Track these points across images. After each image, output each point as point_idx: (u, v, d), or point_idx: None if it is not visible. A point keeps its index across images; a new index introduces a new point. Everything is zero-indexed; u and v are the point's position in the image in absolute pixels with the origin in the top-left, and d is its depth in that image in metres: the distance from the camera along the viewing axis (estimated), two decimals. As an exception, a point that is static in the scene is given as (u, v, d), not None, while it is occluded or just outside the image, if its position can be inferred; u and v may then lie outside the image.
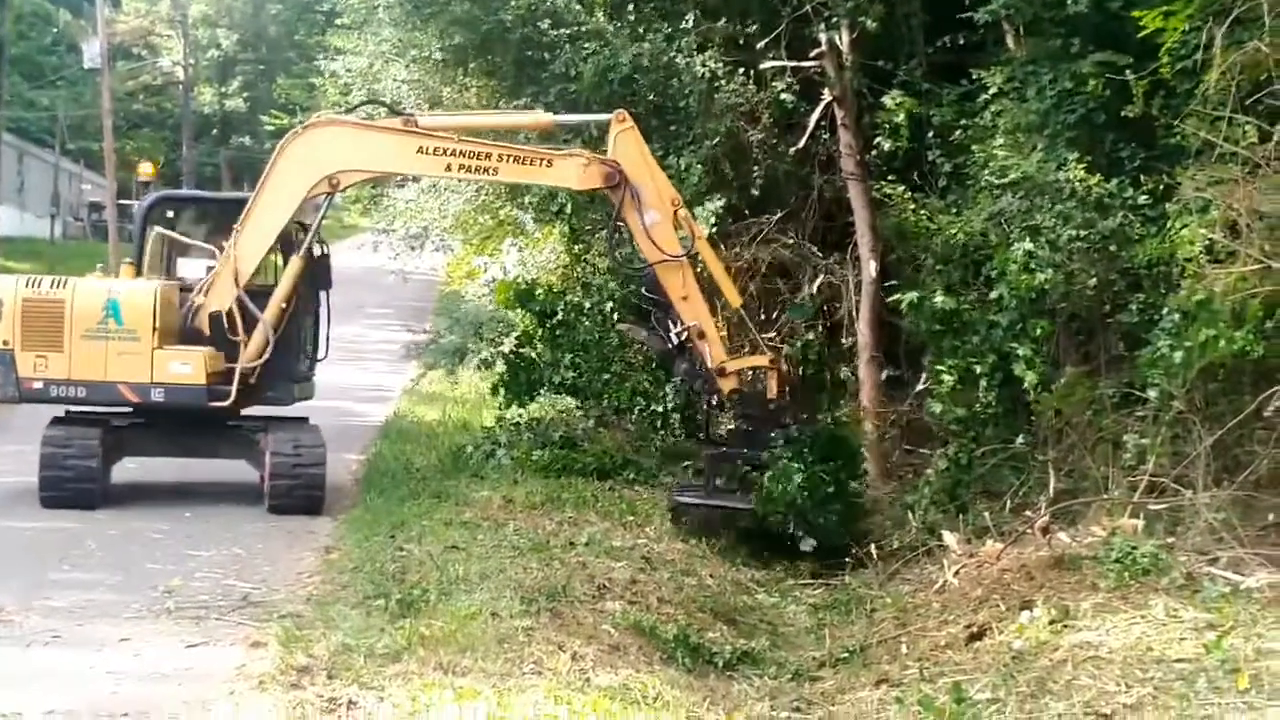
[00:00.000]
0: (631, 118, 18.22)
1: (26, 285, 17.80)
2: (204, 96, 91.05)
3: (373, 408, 28.74)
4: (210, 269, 18.36)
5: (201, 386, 17.64)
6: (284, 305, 18.36)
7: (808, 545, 17.30)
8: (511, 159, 18.16)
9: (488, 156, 18.01)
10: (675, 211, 18.00)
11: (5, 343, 17.43)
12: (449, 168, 18.32)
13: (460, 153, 17.95)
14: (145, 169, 20.58)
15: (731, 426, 19.03)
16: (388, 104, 20.39)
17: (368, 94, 31.59)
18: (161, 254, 19.32)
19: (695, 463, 19.95)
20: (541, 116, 19.63)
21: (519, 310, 22.46)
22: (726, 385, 18.15)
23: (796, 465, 17.23)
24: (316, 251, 19.03)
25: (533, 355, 21.80)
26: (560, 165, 18.11)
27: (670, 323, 18.42)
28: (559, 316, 21.71)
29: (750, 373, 18.62)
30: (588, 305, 22.02)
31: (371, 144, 18.20)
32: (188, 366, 17.63)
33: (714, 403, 18.67)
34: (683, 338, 18.22)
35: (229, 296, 17.93)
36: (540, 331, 21.82)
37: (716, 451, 18.53)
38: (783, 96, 22.66)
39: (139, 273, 18.59)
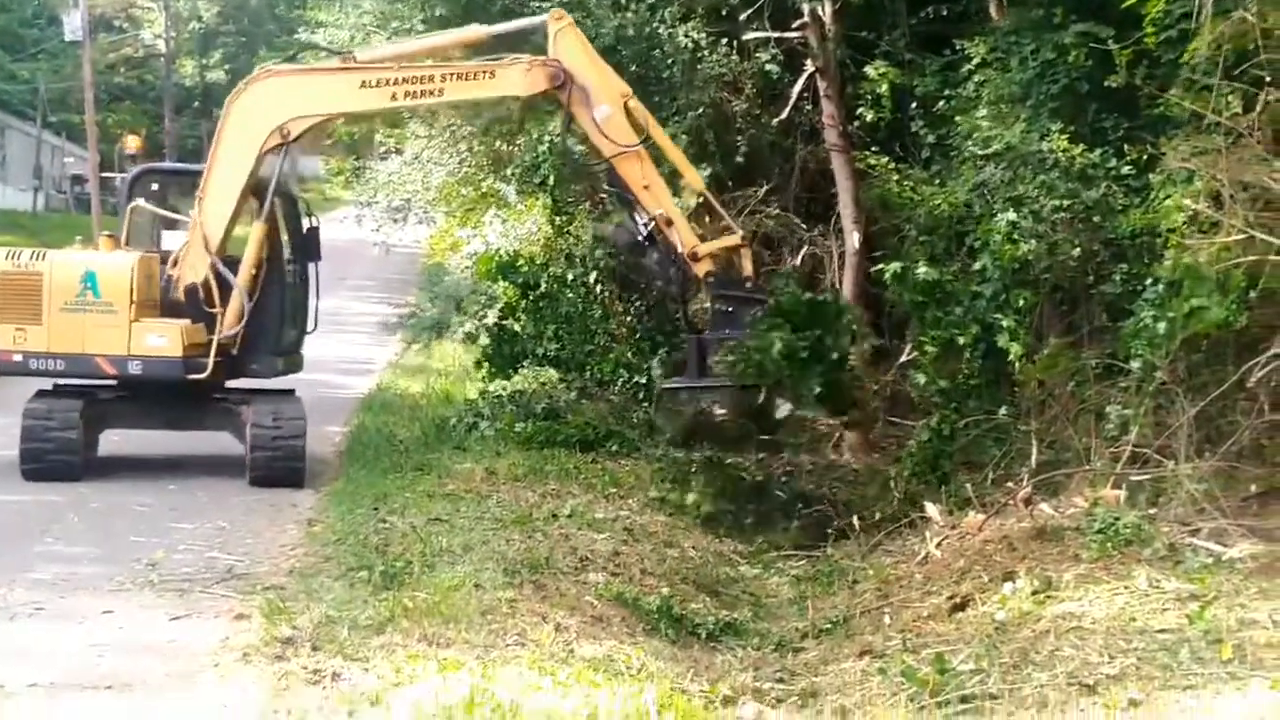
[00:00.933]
0: None
1: (5, 258, 17.76)
2: (185, 69, 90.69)
3: (355, 380, 28.70)
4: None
5: (178, 359, 17.58)
6: (254, 271, 18.27)
7: (783, 410, 17.51)
8: (454, 77, 18.12)
9: (430, 79, 18.10)
10: (625, 103, 18.05)
11: None
12: (394, 97, 18.29)
13: (402, 80, 18.01)
14: (132, 142, 20.57)
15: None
16: (326, 47, 20.33)
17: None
18: (147, 227, 19.24)
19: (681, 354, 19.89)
20: (476, 30, 19.37)
21: (501, 283, 22.41)
22: (701, 269, 18.22)
23: (776, 334, 17.32)
24: (306, 224, 19.04)
25: (515, 328, 21.78)
26: (503, 74, 18.03)
27: (635, 217, 18.51)
28: (541, 288, 21.72)
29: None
30: (571, 277, 22.01)
31: (314, 87, 18.29)
32: (164, 339, 17.57)
33: (688, 290, 19.02)
34: (650, 228, 18.29)
35: (203, 266, 17.87)
36: (523, 304, 21.79)
37: (698, 335, 18.61)
38: (766, 67, 22.64)
39: (122, 245, 18.50)
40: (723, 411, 18.14)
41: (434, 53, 19.13)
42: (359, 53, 18.91)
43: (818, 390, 17.54)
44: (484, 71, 18.12)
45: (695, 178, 18.91)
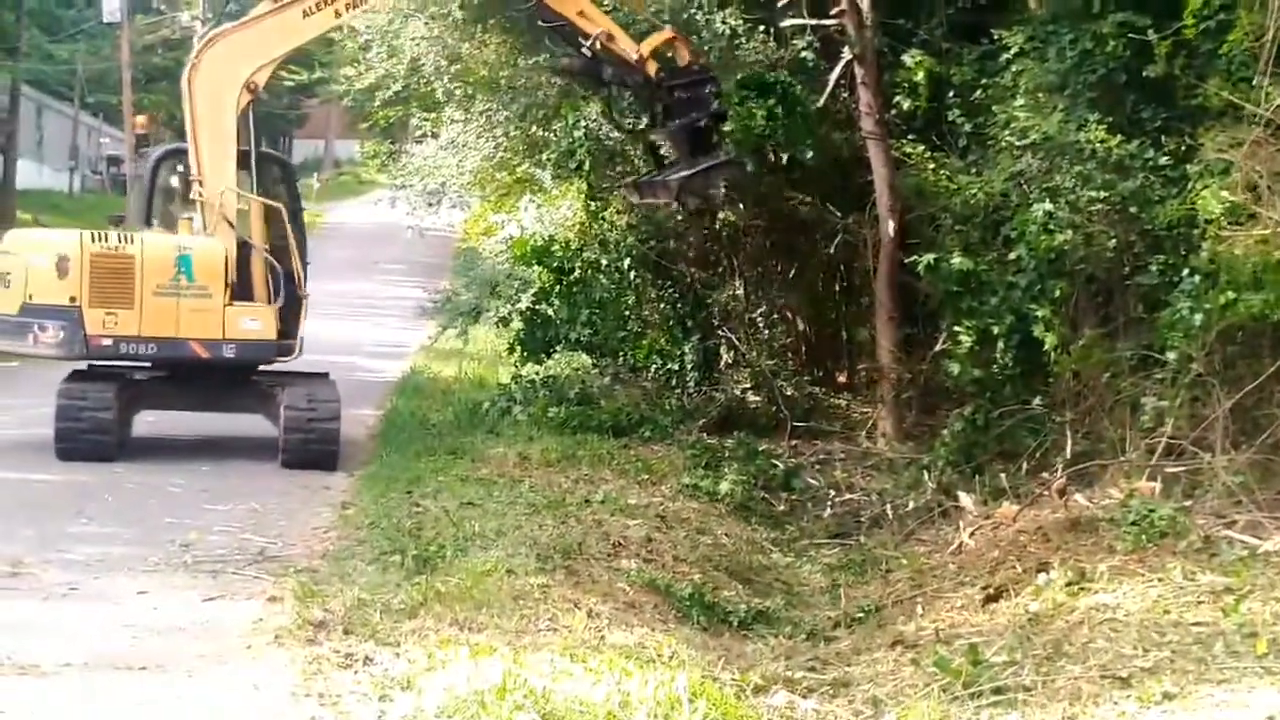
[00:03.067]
0: None
1: (93, 240, 17.49)
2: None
3: (388, 364, 28.79)
4: None
5: (272, 342, 17.84)
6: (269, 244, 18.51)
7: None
8: None
9: None
10: None
11: (72, 299, 17.17)
12: (337, 13, 18.71)
13: None
14: (140, 121, 20.59)
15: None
16: None
17: (386, 51, 31.53)
18: (173, 210, 19.20)
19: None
20: None
21: (535, 267, 22.44)
22: (652, 68, 19.55)
23: (754, 103, 19.05)
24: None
25: (549, 312, 21.80)
26: None
27: (579, 41, 19.48)
28: (575, 274, 21.75)
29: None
30: (604, 262, 22.03)
31: (261, 35, 18.41)
32: (257, 322, 17.78)
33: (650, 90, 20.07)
34: (596, 47, 19.34)
35: (231, 242, 17.97)
36: (557, 289, 21.82)
37: (673, 125, 19.93)
38: (803, 54, 22.54)
39: (149, 225, 18.49)
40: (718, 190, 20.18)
41: None
42: None
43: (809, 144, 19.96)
44: None
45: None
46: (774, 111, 19.38)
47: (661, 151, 21.50)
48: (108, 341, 17.30)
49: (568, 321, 21.58)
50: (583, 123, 23.10)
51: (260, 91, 18.50)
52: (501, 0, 23.53)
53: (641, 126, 21.66)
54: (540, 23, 20.26)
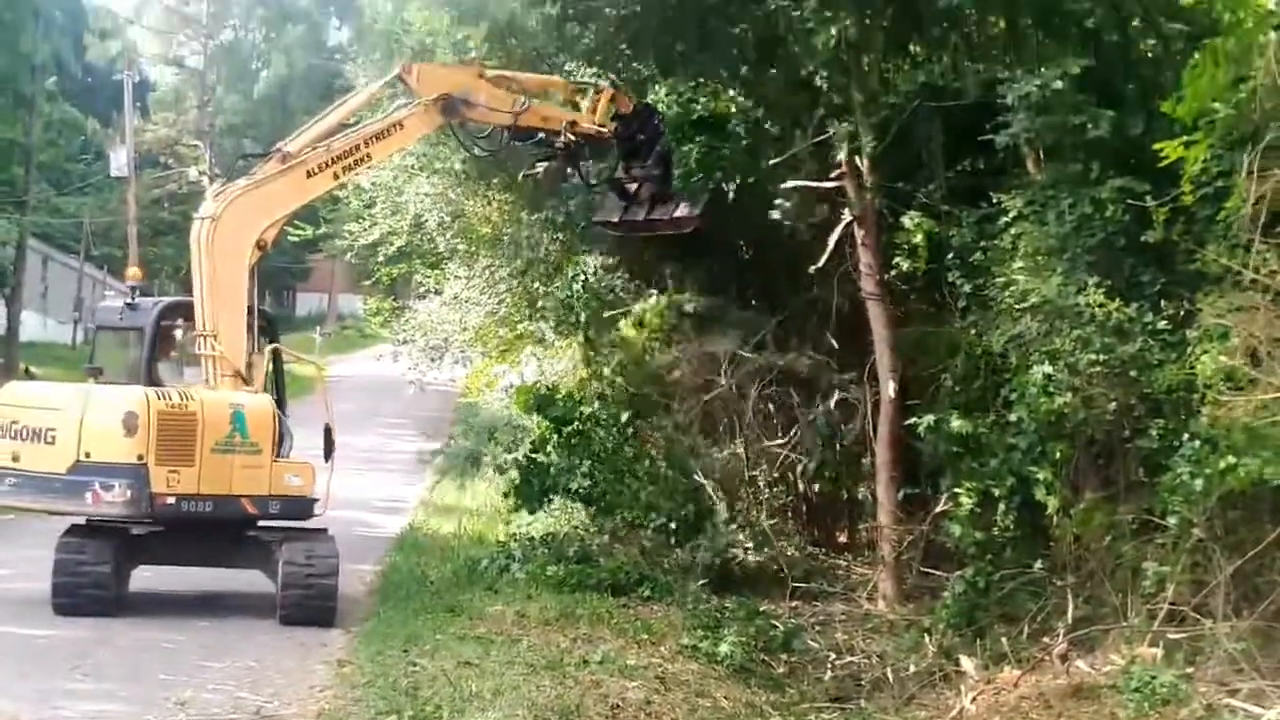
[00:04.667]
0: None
1: (158, 398, 17.29)
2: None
3: (388, 519, 28.66)
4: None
5: (310, 499, 17.86)
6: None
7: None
8: (374, 139, 19.51)
9: (357, 148, 19.32)
10: (482, 75, 20.69)
11: (140, 458, 16.92)
12: (335, 176, 19.39)
13: (337, 158, 19.07)
14: (134, 273, 20.69)
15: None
16: (257, 154, 20.92)
17: (390, 207, 31.80)
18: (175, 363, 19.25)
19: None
20: (371, 87, 21.71)
21: (535, 416, 22.56)
22: (610, 128, 21.79)
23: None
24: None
25: (547, 461, 21.86)
26: (409, 122, 19.95)
27: (552, 141, 21.46)
28: (575, 425, 21.87)
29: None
30: (604, 416, 22.14)
31: (271, 195, 18.70)
32: (299, 479, 17.86)
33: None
34: (568, 138, 21.30)
35: (245, 397, 17.96)
36: (556, 438, 21.92)
37: (652, 159, 22.40)
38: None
39: (151, 379, 18.46)
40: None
41: (344, 121, 20.02)
42: (286, 145, 19.22)
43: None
44: (394, 125, 19.87)
45: (554, 81, 22.50)
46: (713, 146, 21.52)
47: (632, 189, 23.06)
48: (171, 500, 17.07)
49: (566, 471, 21.65)
50: (580, 275, 23.41)
51: (269, 248, 18.72)
52: (502, 157, 23.79)
53: (617, 175, 22.98)
54: (515, 143, 21.64)
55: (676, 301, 23.07)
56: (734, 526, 22.00)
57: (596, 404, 22.80)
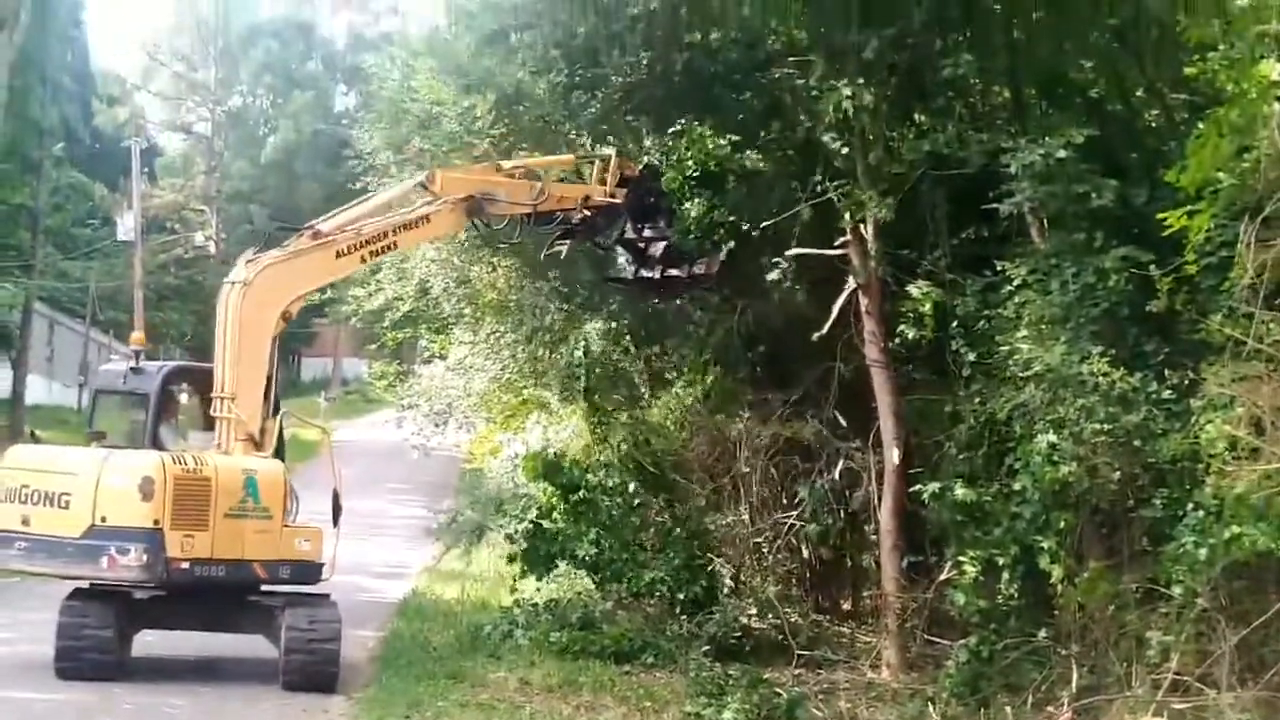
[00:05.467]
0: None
1: (174, 462, 17.33)
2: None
3: (391, 584, 28.62)
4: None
5: (318, 563, 17.90)
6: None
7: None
8: (402, 229, 20.22)
9: (385, 235, 19.97)
10: (499, 170, 21.32)
11: (156, 522, 16.96)
12: (363, 259, 20.11)
13: (366, 242, 19.67)
14: (136, 338, 20.81)
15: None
16: (289, 225, 21.18)
17: (396, 273, 31.88)
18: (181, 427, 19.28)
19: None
20: (406, 184, 21.89)
21: (542, 483, 22.59)
22: (620, 195, 22.16)
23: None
24: None
25: (553, 527, 21.88)
26: (436, 218, 20.57)
27: (569, 219, 22.12)
28: (582, 493, 21.93)
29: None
30: (610, 484, 22.20)
31: (302, 268, 19.13)
32: (309, 543, 17.92)
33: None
34: (585, 214, 21.96)
35: (258, 462, 18.03)
36: (562, 505, 21.97)
37: (662, 220, 22.57)
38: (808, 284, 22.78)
39: (156, 444, 18.49)
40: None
41: (377, 210, 20.54)
42: (319, 223, 19.51)
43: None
44: (422, 219, 20.45)
45: (563, 159, 22.86)
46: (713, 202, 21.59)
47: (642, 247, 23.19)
48: (185, 564, 17.10)
49: (573, 538, 21.68)
50: (583, 343, 23.56)
51: (291, 319, 19.14)
52: (508, 225, 23.95)
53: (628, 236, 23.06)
54: (535, 226, 22.00)
55: (692, 393, 23.35)
56: (739, 599, 22.06)
57: (603, 472, 22.86)
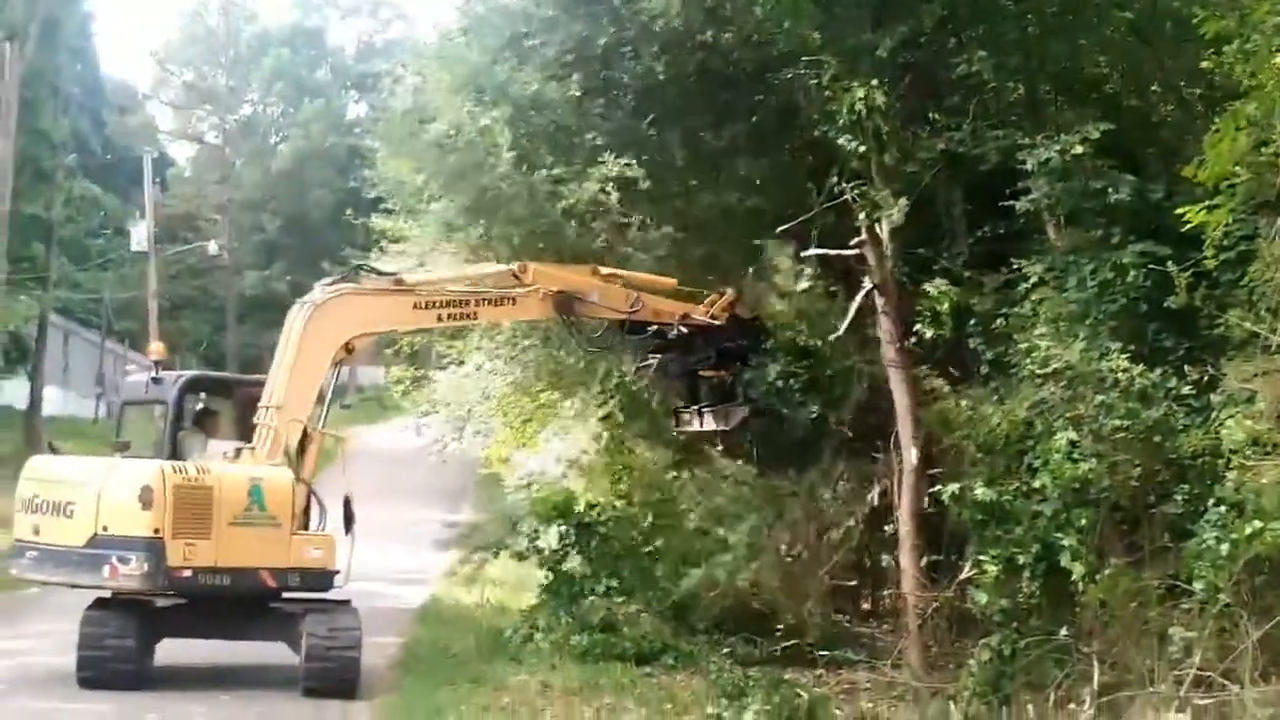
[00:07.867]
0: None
1: (174, 471, 17.39)
2: (249, 279, 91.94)
3: (410, 590, 28.63)
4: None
5: (330, 571, 17.90)
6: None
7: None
8: (485, 302, 20.47)
9: (466, 303, 20.25)
10: (595, 273, 21.20)
11: (156, 531, 16.96)
12: (439, 318, 20.18)
13: (447, 303, 19.93)
14: (157, 348, 20.83)
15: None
16: (376, 269, 21.14)
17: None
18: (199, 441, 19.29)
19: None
20: (499, 267, 21.50)
21: (558, 522, 22.76)
22: (723, 321, 22.28)
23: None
24: None
25: (572, 570, 22.22)
26: (523, 302, 20.68)
27: (664, 333, 22.23)
28: (599, 535, 22.44)
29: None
30: (625, 517, 22.79)
31: (378, 307, 19.54)
32: (320, 551, 17.92)
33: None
34: (681, 330, 22.09)
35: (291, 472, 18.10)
36: (578, 545, 22.35)
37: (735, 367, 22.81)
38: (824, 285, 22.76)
39: (175, 452, 18.53)
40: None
41: (460, 279, 20.81)
42: (408, 275, 19.80)
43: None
44: (509, 299, 20.64)
45: (664, 281, 22.24)
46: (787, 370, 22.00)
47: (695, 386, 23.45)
48: (188, 573, 17.12)
49: (592, 577, 21.87)
50: (615, 375, 23.75)
51: (353, 353, 19.31)
52: (539, 237, 23.83)
53: (694, 364, 23.23)
54: (630, 335, 22.55)
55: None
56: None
57: (618, 504, 23.08)
